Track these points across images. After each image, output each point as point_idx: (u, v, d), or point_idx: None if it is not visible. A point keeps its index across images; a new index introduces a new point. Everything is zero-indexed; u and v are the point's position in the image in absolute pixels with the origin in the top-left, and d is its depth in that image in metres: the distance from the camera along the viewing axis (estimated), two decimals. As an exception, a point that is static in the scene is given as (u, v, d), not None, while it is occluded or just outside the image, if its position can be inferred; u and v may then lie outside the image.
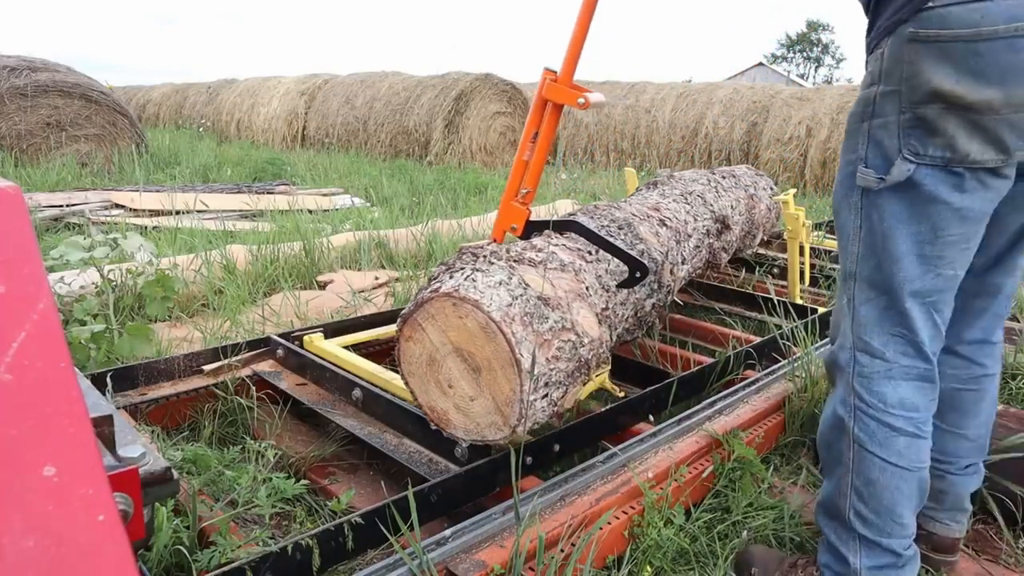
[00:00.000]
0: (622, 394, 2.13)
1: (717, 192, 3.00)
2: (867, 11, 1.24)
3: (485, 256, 1.62)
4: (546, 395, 1.52)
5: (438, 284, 1.53)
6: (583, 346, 1.61)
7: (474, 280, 1.50)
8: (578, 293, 1.70)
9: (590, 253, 1.90)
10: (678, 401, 2.05)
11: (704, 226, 2.71)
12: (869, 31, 1.22)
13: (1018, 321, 3.21)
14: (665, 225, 2.40)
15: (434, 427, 1.62)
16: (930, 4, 1.08)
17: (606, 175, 9.28)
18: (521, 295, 1.52)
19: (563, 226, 1.92)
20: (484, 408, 1.52)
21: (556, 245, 1.86)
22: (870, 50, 1.21)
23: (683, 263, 2.43)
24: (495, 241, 1.98)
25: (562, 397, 1.58)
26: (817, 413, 2.04)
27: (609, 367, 2.24)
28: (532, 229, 1.93)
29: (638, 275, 1.83)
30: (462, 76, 10.91)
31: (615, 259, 1.88)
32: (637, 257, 1.85)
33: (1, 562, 0.44)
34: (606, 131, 11.51)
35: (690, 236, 2.54)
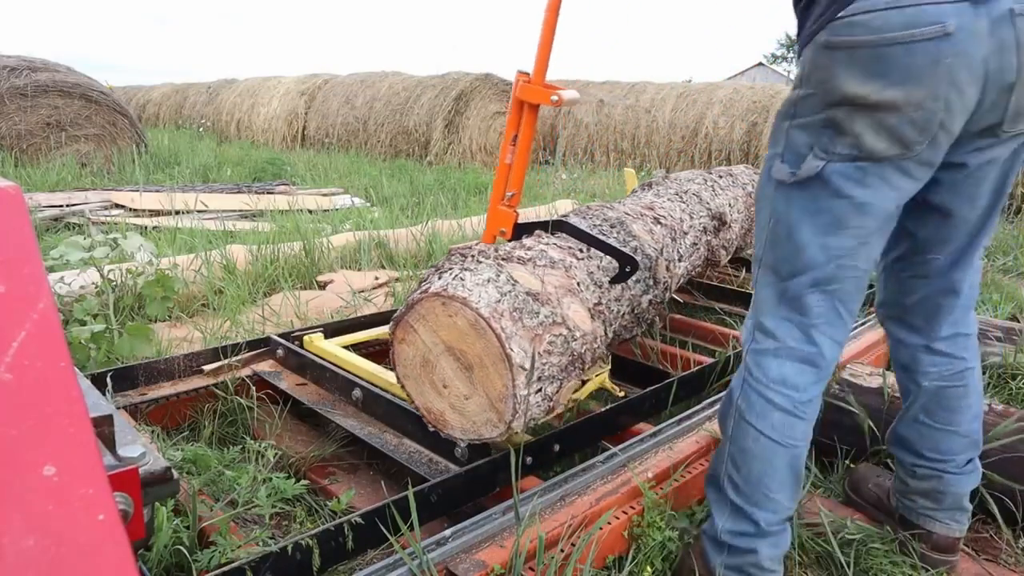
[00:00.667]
0: (622, 394, 2.13)
1: (714, 191, 3.00)
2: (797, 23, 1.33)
3: (473, 256, 1.63)
4: (540, 389, 1.53)
5: (427, 285, 1.54)
6: (575, 340, 1.61)
7: (462, 279, 1.52)
8: (569, 288, 1.71)
9: (581, 251, 1.91)
10: (678, 401, 2.05)
11: (701, 223, 2.71)
12: (797, 39, 1.31)
13: (1018, 321, 3.21)
14: (660, 223, 2.40)
15: (432, 429, 1.62)
16: (840, 15, 1.17)
17: (606, 175, 9.28)
18: (510, 291, 1.52)
19: (553, 226, 1.93)
20: (479, 406, 1.52)
21: (546, 244, 1.87)
22: (797, 56, 1.30)
23: (680, 260, 2.44)
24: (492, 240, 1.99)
25: (557, 392, 1.59)
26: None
27: (609, 367, 2.24)
28: (521, 232, 1.93)
29: (628, 270, 1.85)
30: (462, 76, 10.91)
31: (607, 256, 1.89)
32: (627, 252, 1.86)
33: (1, 562, 0.44)
34: (606, 131, 11.51)
35: (686, 233, 2.54)
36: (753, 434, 1.35)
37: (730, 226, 3.00)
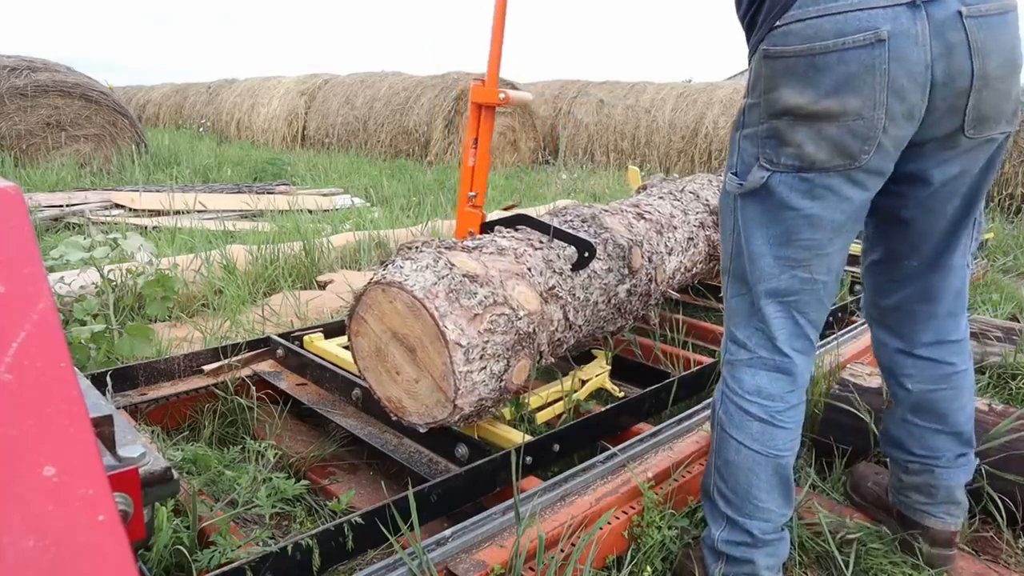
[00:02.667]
0: (622, 394, 2.13)
1: (718, 189, 3.00)
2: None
3: (417, 247, 1.69)
4: (485, 367, 1.55)
5: (372, 277, 1.62)
6: (520, 319, 1.64)
7: (401, 267, 1.59)
8: (516, 272, 1.75)
9: (540, 241, 1.94)
10: (678, 401, 2.05)
11: (697, 219, 2.72)
12: (749, 48, 1.31)
13: (1018, 321, 3.21)
14: (643, 218, 2.42)
15: (394, 417, 1.67)
16: (776, 24, 1.16)
17: (606, 175, 9.28)
18: (447, 275, 1.58)
19: (510, 221, 1.96)
20: (427, 387, 1.57)
21: (502, 236, 1.92)
22: (748, 66, 1.29)
23: (670, 253, 2.44)
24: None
25: (506, 371, 1.61)
26: (817, 413, 2.04)
27: (609, 367, 2.24)
28: (488, 230, 1.96)
29: (587, 255, 1.89)
30: (462, 76, 10.90)
31: (570, 248, 1.93)
32: (583, 238, 1.89)
33: (1, 562, 0.44)
34: (606, 131, 11.51)
35: (676, 228, 2.54)
36: (735, 446, 1.35)
37: None
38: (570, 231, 1.93)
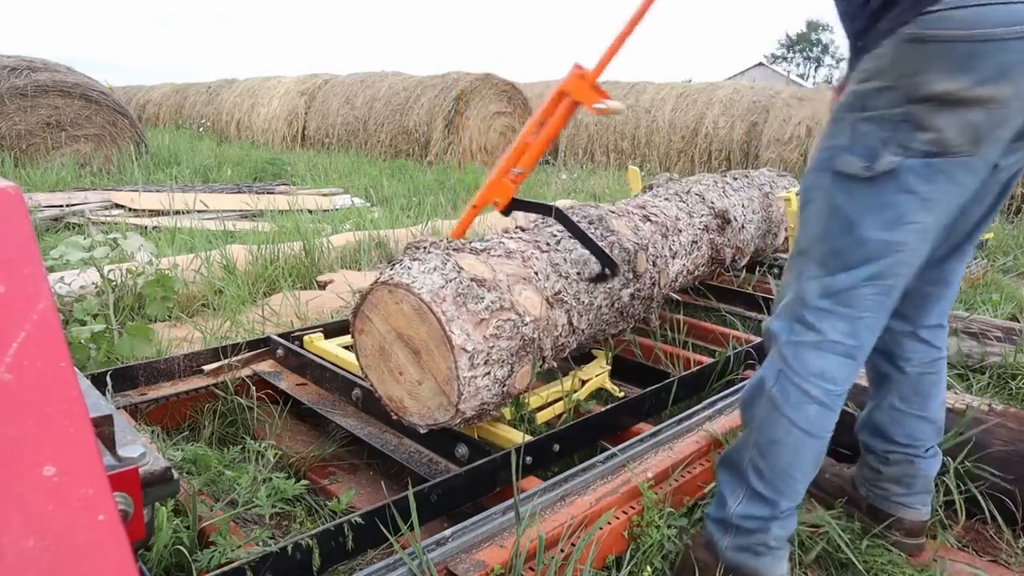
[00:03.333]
0: (622, 394, 2.13)
1: (724, 192, 2.99)
2: (855, 17, 1.31)
3: (425, 247, 1.68)
4: (488, 372, 1.56)
5: (379, 276, 1.61)
6: (525, 325, 1.64)
7: (408, 268, 1.59)
8: (523, 276, 1.74)
9: (547, 243, 1.94)
10: (678, 401, 2.05)
11: (702, 222, 2.71)
12: (862, 33, 1.29)
13: (1018, 321, 3.21)
14: (649, 220, 2.41)
15: (395, 417, 1.67)
16: (931, 8, 1.15)
17: (606, 175, 9.28)
18: (454, 278, 1.57)
19: (542, 209, 1.93)
20: (430, 390, 1.57)
21: (510, 238, 1.90)
22: (866, 49, 1.27)
23: (674, 257, 2.44)
24: (475, 208, 2.01)
25: (509, 376, 1.61)
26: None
27: (609, 367, 2.24)
28: (515, 207, 1.93)
29: (607, 272, 1.89)
30: (462, 76, 10.90)
31: (577, 251, 1.92)
32: (611, 256, 1.87)
33: (1, 562, 0.44)
34: (606, 131, 11.51)
35: (681, 231, 2.54)
36: (786, 425, 1.34)
37: (744, 227, 2.99)
38: (590, 237, 1.92)
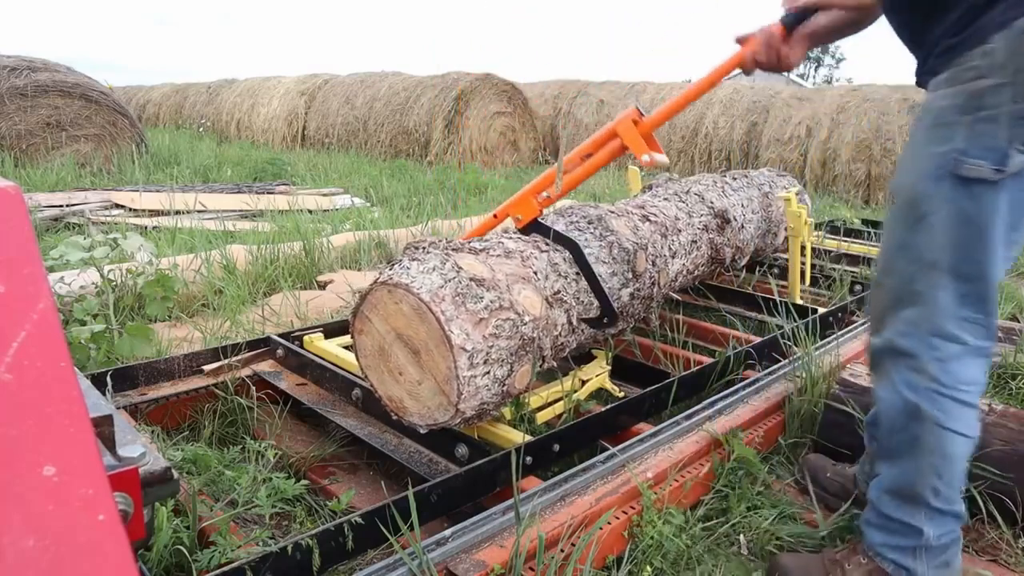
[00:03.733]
0: (622, 394, 2.13)
1: (723, 191, 2.99)
2: (948, 8, 1.25)
3: (424, 248, 1.69)
4: (488, 372, 1.56)
5: (378, 276, 1.62)
6: (525, 324, 1.64)
7: (408, 268, 1.59)
8: (522, 276, 1.75)
9: (546, 243, 1.94)
10: (678, 401, 2.05)
11: (701, 222, 2.71)
12: (958, 29, 1.24)
13: (1018, 321, 3.21)
14: (648, 220, 2.42)
15: (395, 417, 1.67)
16: None
17: (606, 175, 9.27)
18: (454, 277, 1.57)
19: (559, 239, 1.93)
20: (430, 390, 1.57)
21: (509, 238, 1.91)
22: (967, 46, 1.23)
23: (674, 256, 2.44)
24: (495, 218, 2.02)
25: (509, 376, 1.62)
26: (817, 412, 2.04)
27: (609, 367, 2.24)
28: (534, 228, 1.95)
29: (605, 320, 1.91)
30: (462, 76, 10.90)
31: (575, 252, 1.93)
32: (612, 304, 1.89)
33: (1, 562, 0.44)
34: (606, 131, 11.51)
35: (680, 231, 2.54)
36: (952, 438, 1.33)
37: (743, 226, 2.99)
38: (577, 232, 1.93)
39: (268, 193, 6.77)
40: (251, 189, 7.04)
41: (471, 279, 1.59)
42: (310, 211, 5.58)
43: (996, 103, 1.19)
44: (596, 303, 1.97)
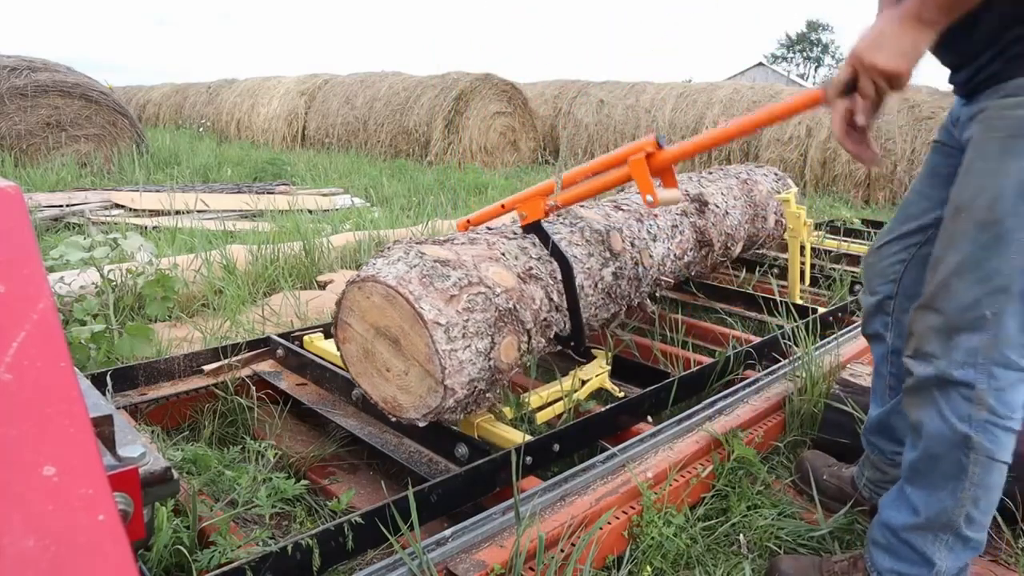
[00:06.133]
0: (622, 394, 2.13)
1: (699, 183, 3.04)
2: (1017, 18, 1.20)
3: (388, 246, 1.73)
4: (469, 345, 1.57)
5: (348, 281, 1.66)
6: (498, 296, 1.66)
7: (374, 263, 1.64)
8: (489, 256, 1.77)
9: (514, 232, 1.98)
10: (678, 401, 2.05)
11: (680, 207, 2.75)
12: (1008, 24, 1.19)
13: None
14: (620, 209, 2.46)
15: (394, 418, 1.67)
16: None
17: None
18: (418, 263, 1.61)
19: (556, 254, 1.94)
20: (417, 376, 1.58)
21: (474, 231, 1.96)
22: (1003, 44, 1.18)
23: (655, 240, 2.48)
24: (502, 207, 2.05)
25: (492, 348, 1.63)
26: (817, 412, 2.04)
27: (609, 367, 2.24)
28: (534, 229, 1.95)
29: (572, 346, 1.92)
30: (462, 76, 10.90)
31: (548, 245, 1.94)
32: (583, 333, 1.90)
33: (1, 562, 0.44)
34: (606, 131, 11.51)
35: (657, 215, 2.57)
36: (1001, 468, 1.29)
37: (728, 212, 3.00)
38: (553, 236, 1.94)
39: (268, 193, 6.77)
40: (251, 189, 7.04)
41: (436, 261, 1.62)
42: (310, 211, 5.58)
43: None
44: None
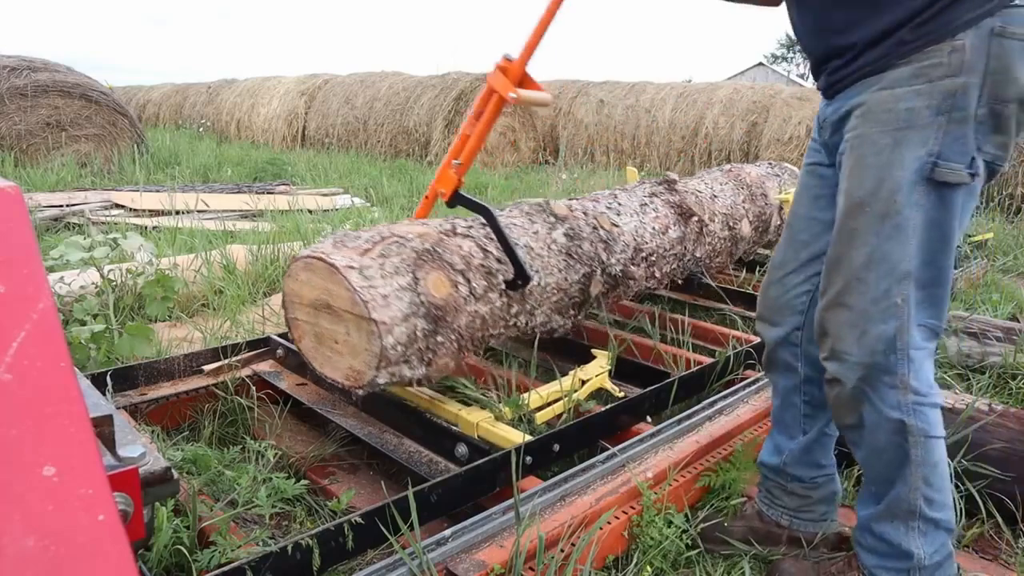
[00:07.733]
0: (622, 394, 2.13)
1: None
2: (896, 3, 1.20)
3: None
4: (388, 282, 1.63)
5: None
6: (411, 241, 1.74)
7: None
8: (403, 223, 1.88)
9: (454, 228, 2.01)
10: (678, 401, 2.05)
11: (648, 190, 2.77)
12: (920, 23, 1.18)
13: (1018, 321, 3.21)
14: (575, 199, 2.51)
15: (362, 392, 1.68)
16: (1016, 2, 1.10)
17: (606, 175, 9.27)
18: (332, 237, 1.73)
19: (480, 209, 1.93)
20: (354, 328, 1.62)
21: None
22: (932, 40, 1.17)
23: (619, 214, 2.48)
24: (427, 199, 2.06)
25: (416, 282, 1.66)
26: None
27: (609, 367, 2.24)
28: (458, 201, 1.94)
29: (519, 283, 1.91)
30: (462, 76, 10.90)
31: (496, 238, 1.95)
32: (525, 268, 1.90)
33: (1, 562, 0.44)
34: (606, 131, 11.50)
35: (617, 196, 2.62)
36: (936, 443, 1.31)
37: (716, 196, 3.01)
38: (512, 241, 1.93)
39: (268, 193, 6.77)
40: (251, 189, 7.03)
41: (346, 233, 1.73)
42: (310, 211, 5.57)
43: (965, 104, 1.16)
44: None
